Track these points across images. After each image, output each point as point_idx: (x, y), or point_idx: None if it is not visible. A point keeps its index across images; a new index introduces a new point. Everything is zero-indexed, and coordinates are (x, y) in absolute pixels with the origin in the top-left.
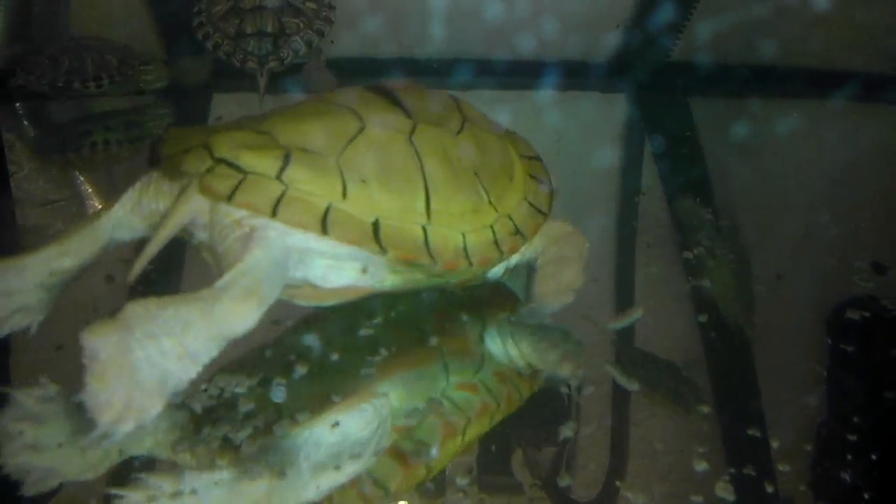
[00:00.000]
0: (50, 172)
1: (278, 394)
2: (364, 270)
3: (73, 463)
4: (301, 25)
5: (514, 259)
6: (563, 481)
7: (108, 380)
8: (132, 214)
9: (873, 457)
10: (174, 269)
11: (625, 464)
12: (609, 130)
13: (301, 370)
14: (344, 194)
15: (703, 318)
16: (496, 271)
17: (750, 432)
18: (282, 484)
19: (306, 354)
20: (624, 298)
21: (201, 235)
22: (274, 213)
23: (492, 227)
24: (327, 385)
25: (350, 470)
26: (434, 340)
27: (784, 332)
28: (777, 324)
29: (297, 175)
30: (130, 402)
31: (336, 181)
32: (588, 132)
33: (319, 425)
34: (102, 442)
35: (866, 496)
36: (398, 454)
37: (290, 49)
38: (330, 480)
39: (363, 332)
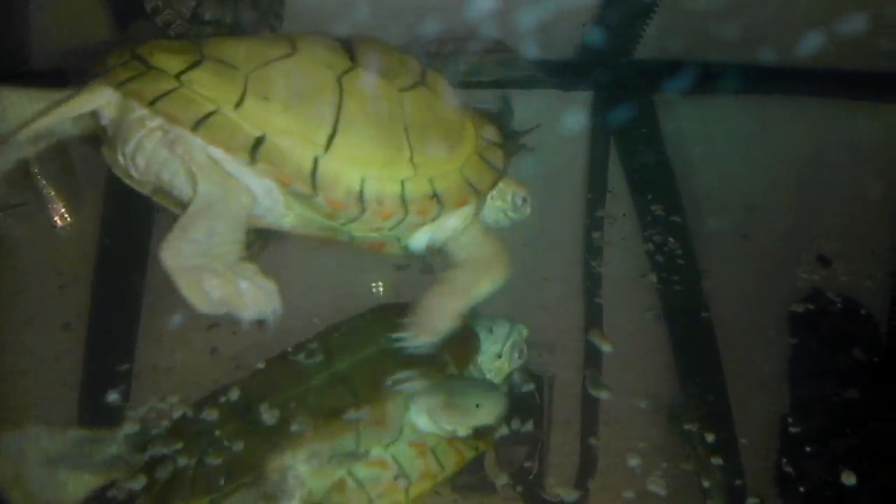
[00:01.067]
0: (10, 176)
1: None
2: (256, 198)
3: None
4: (257, 19)
5: (441, 233)
6: (537, 481)
7: (212, 297)
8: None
9: (808, 448)
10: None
11: (595, 463)
12: (574, 129)
13: (214, 437)
14: (238, 104)
15: (652, 314)
16: (418, 244)
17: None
18: None
19: (221, 420)
20: (592, 295)
21: (109, 134)
22: (152, 104)
23: (402, 181)
24: (239, 455)
25: None
26: (353, 410)
27: (741, 328)
28: (734, 319)
29: (197, 77)
30: (255, 290)
31: (235, 91)
32: (552, 131)
33: (233, 495)
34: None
35: (802, 489)
36: None
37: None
38: None
39: (284, 396)
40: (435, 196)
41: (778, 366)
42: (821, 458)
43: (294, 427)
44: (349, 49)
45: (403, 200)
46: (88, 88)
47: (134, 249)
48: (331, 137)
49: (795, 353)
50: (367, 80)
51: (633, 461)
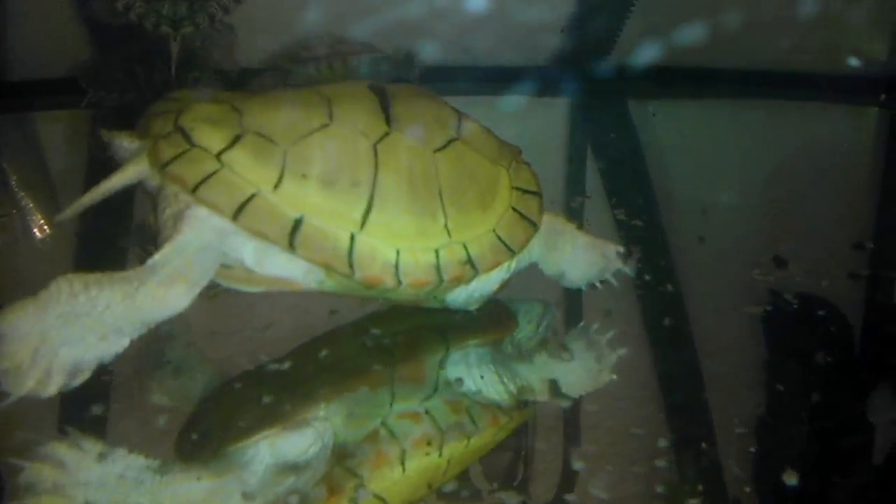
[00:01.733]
0: None
1: None
2: (296, 265)
3: None
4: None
5: (486, 286)
6: (521, 486)
7: (21, 360)
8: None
9: (752, 449)
10: None
11: (575, 471)
12: (551, 134)
13: (249, 386)
14: (277, 185)
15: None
16: (457, 299)
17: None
18: (216, 489)
19: (257, 370)
20: (572, 299)
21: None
22: (194, 190)
23: (437, 250)
24: (272, 402)
25: (286, 488)
26: (386, 365)
27: (706, 329)
28: (697, 320)
29: (237, 157)
30: (47, 377)
31: (274, 171)
32: (531, 136)
33: (260, 442)
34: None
35: (747, 489)
36: (327, 480)
37: (205, 14)
38: (264, 495)
39: (319, 351)
40: (469, 262)
41: (736, 366)
42: (765, 458)
43: (328, 380)
44: (385, 104)
45: (438, 269)
46: (134, 161)
47: (112, 262)
48: (366, 213)
49: (757, 354)
50: (402, 146)
51: (612, 466)
